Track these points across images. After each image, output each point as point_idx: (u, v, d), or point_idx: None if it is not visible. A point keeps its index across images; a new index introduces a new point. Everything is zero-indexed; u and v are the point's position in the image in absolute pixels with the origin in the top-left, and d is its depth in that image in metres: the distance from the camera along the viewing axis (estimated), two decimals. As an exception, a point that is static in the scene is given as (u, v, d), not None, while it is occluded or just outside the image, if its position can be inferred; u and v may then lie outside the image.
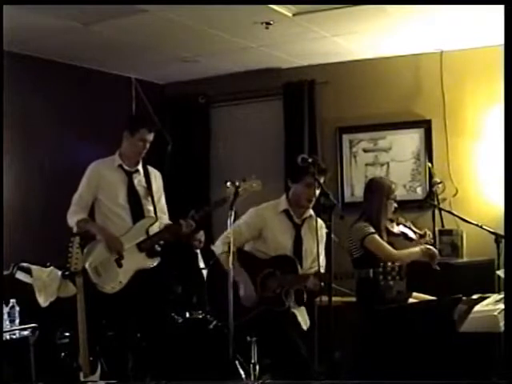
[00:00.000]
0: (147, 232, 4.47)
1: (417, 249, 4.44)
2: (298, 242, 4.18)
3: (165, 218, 4.64)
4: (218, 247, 4.18)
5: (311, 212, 4.21)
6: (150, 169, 4.66)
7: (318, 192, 4.02)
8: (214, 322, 4.60)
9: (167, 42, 5.26)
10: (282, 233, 4.17)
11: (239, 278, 4.02)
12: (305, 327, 4.21)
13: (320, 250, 4.05)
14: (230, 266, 3.60)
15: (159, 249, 4.50)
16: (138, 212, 4.50)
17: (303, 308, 4.27)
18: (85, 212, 4.49)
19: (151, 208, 4.55)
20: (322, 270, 4.00)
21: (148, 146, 4.50)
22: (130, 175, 4.54)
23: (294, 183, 4.16)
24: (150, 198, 4.55)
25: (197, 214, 4.44)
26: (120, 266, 4.37)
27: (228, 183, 3.87)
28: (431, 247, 4.45)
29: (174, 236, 4.47)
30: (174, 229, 4.46)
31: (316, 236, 3.85)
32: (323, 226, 3.99)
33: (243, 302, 4.04)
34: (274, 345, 3.99)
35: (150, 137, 4.49)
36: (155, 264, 4.47)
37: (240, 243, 4.11)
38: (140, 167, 4.58)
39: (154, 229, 4.50)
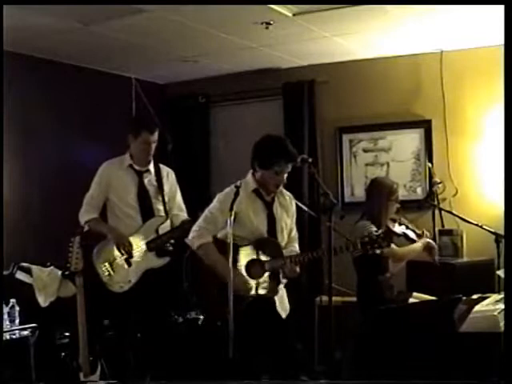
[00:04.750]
0: (157, 231, 4.49)
1: (418, 243, 4.56)
2: (271, 220, 4.01)
3: (182, 216, 4.63)
4: (192, 241, 3.93)
5: (280, 187, 4.02)
6: (163, 167, 4.68)
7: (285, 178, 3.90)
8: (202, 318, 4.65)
9: (167, 42, 5.26)
10: (256, 213, 3.97)
11: (223, 268, 3.71)
12: (284, 315, 4.02)
13: (292, 226, 4.07)
14: (230, 265, 3.53)
15: (171, 248, 4.50)
16: (147, 211, 4.52)
17: (283, 293, 4.07)
18: (96, 212, 4.52)
19: (161, 207, 4.55)
20: (297, 250, 4.03)
21: (154, 146, 4.52)
22: (140, 175, 4.56)
23: (262, 169, 3.92)
24: (160, 198, 4.56)
25: None
26: (130, 265, 4.39)
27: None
28: (431, 241, 4.61)
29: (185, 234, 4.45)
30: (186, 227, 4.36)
31: (288, 213, 3.93)
32: (292, 198, 4.06)
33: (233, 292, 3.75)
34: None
35: (153, 138, 4.50)
36: (164, 263, 4.48)
37: (216, 230, 3.93)
38: (151, 167, 4.60)
39: (164, 228, 4.51)
